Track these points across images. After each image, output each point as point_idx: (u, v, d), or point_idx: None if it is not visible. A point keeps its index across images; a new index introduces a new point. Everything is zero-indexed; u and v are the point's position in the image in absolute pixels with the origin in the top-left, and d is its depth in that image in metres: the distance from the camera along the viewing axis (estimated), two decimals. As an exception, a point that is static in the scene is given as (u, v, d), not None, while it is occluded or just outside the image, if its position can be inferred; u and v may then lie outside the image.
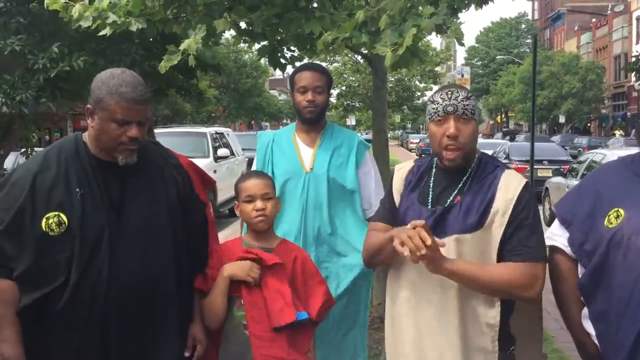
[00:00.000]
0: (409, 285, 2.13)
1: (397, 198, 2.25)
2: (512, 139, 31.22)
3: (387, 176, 5.27)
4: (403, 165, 2.32)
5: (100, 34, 3.59)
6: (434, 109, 2.10)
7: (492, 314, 2.05)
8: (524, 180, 2.10)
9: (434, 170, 2.19)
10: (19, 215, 2.06)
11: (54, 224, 2.05)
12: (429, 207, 2.12)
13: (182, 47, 3.44)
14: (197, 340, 2.30)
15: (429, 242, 1.87)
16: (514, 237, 2.03)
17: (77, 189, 2.09)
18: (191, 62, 3.43)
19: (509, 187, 2.06)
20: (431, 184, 2.17)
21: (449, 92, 2.09)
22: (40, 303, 2.05)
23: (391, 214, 2.25)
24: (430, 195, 2.15)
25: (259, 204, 2.40)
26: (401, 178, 2.27)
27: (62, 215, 2.05)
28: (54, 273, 2.04)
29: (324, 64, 3.27)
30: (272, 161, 2.99)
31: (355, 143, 3.01)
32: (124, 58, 6.75)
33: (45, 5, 3.75)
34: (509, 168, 2.17)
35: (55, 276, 2.04)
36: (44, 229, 2.04)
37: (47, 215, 2.05)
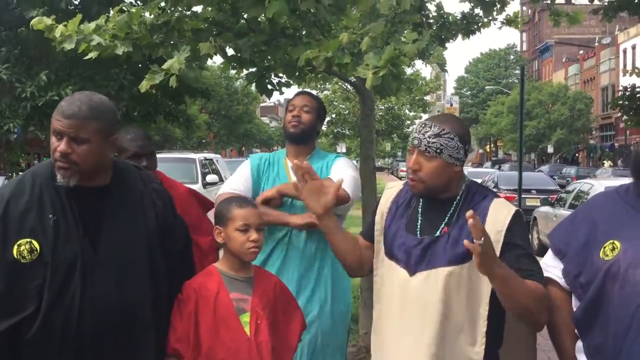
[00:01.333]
0: (393, 316, 2.09)
1: (379, 218, 2.22)
2: (498, 168, 31.40)
3: (373, 206, 5.26)
4: (394, 185, 2.29)
5: (87, 57, 3.57)
6: (409, 137, 2.12)
7: (475, 350, 2.00)
8: (513, 209, 2.05)
9: (420, 198, 2.15)
10: None
11: (25, 251, 1.99)
12: (418, 235, 2.09)
13: (164, 66, 3.41)
14: None
15: None
16: (519, 264, 1.96)
17: (50, 215, 2.03)
18: (172, 82, 3.39)
19: (498, 217, 2.02)
20: (419, 211, 2.13)
21: (423, 125, 2.07)
22: (12, 331, 1.98)
23: (371, 231, 2.23)
24: (419, 223, 2.11)
25: (254, 235, 2.29)
26: (389, 199, 2.24)
27: (34, 242, 1.99)
28: (25, 301, 1.98)
29: (314, 92, 3.30)
30: (265, 182, 3.01)
31: (333, 158, 3.09)
32: (112, 83, 6.74)
33: (30, 26, 3.72)
34: (497, 197, 2.13)
35: (27, 304, 1.97)
36: (16, 256, 1.98)
37: (18, 242, 1.99)
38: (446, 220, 2.08)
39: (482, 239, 1.74)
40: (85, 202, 2.09)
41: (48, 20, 3.58)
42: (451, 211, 2.08)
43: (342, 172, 2.92)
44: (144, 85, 3.48)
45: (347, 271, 2.36)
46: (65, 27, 3.53)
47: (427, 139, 2.03)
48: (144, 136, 3.17)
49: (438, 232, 2.06)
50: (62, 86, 6.43)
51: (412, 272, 2.04)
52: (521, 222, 2.05)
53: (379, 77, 3.01)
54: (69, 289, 1.99)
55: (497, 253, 1.94)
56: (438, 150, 2.03)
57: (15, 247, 1.98)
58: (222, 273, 2.33)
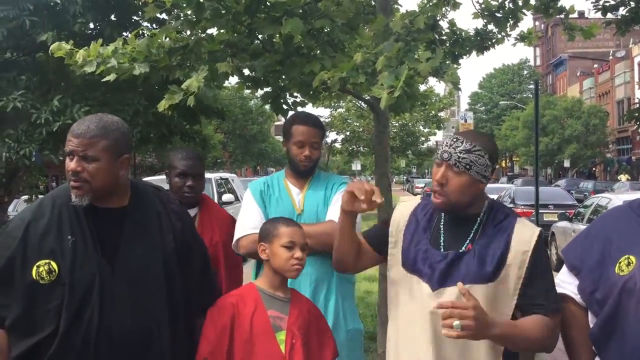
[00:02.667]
0: (414, 329, 2.07)
1: (393, 230, 2.21)
2: (511, 183, 31.14)
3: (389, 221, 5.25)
4: (408, 200, 2.29)
5: (105, 79, 3.63)
6: (438, 150, 2.10)
7: None
8: (537, 230, 2.05)
9: (442, 213, 2.14)
10: (9, 264, 2.02)
11: (44, 272, 2.01)
12: (442, 250, 2.07)
13: (184, 85, 3.46)
14: None
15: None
16: (533, 289, 1.98)
17: (69, 237, 2.05)
18: (190, 102, 3.44)
19: (524, 238, 2.01)
20: (442, 226, 2.12)
21: (454, 139, 2.06)
22: (31, 352, 2.00)
23: (380, 240, 2.23)
24: (442, 239, 2.10)
25: (299, 253, 2.35)
26: (406, 212, 2.22)
27: (52, 263, 2.02)
28: (43, 322, 1.99)
29: (328, 110, 3.31)
30: (268, 205, 3.01)
31: (338, 183, 3.07)
32: (127, 108, 6.81)
33: (49, 52, 3.79)
34: (518, 216, 2.12)
35: (45, 325, 1.99)
36: (34, 277, 2.00)
37: (37, 264, 2.01)
38: (470, 237, 2.07)
39: (474, 313, 1.75)
40: (104, 223, 2.11)
41: (67, 46, 3.65)
42: (475, 227, 2.08)
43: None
44: (163, 105, 3.53)
45: (335, 265, 2.37)
46: (86, 51, 3.60)
47: (458, 153, 2.02)
48: (194, 156, 3.21)
49: (463, 248, 2.05)
50: (75, 109, 6.50)
51: (434, 287, 2.03)
52: (543, 243, 2.05)
53: (394, 97, 3.03)
54: (87, 310, 2.00)
55: (522, 275, 1.97)
56: (467, 166, 2.01)
57: (35, 268, 2.01)
58: (261, 290, 2.37)
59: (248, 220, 2.92)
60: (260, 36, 4.13)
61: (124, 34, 7.00)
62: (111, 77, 3.61)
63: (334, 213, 2.91)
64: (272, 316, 2.30)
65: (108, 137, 2.08)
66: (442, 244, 2.09)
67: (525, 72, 68.76)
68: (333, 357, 2.43)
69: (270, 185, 3.08)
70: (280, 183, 3.08)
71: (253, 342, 2.24)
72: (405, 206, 2.27)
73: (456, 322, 1.73)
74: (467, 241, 2.06)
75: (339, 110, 26.40)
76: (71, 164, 2.04)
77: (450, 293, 1.99)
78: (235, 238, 2.94)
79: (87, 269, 2.03)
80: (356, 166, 35.82)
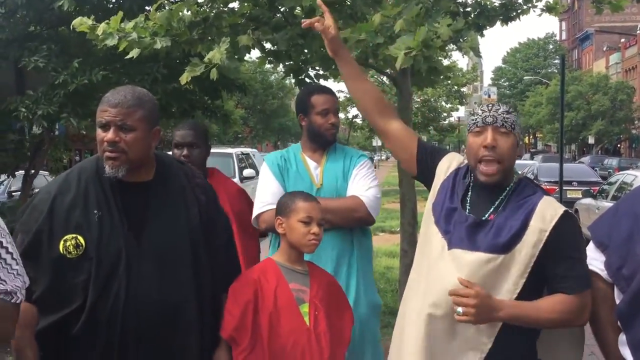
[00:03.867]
0: (422, 281, 2.11)
1: (440, 170, 2.24)
2: (532, 159, 30.75)
3: (412, 199, 5.23)
4: (459, 158, 2.28)
5: (128, 56, 3.62)
6: (473, 120, 2.08)
7: (483, 340, 2.00)
8: (561, 209, 2.01)
9: (472, 178, 2.14)
10: (36, 237, 2.04)
11: (71, 247, 2.02)
12: (467, 212, 2.08)
13: (207, 57, 3.43)
14: None
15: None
16: (559, 268, 1.98)
17: (95, 211, 2.06)
18: (213, 75, 3.41)
19: (545, 216, 1.99)
20: (470, 191, 2.12)
21: (490, 105, 2.08)
22: (58, 326, 2.02)
23: (428, 155, 2.30)
24: (468, 203, 2.10)
25: (316, 228, 2.35)
26: (451, 166, 2.23)
27: (79, 237, 2.03)
28: (71, 296, 2.01)
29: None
30: (286, 179, 2.99)
31: (357, 156, 3.05)
32: (146, 77, 6.81)
33: (71, 27, 3.79)
34: (547, 194, 2.09)
35: (73, 299, 2.01)
36: (62, 251, 2.01)
37: (64, 238, 2.02)
38: (494, 207, 2.06)
39: (474, 301, 1.87)
40: (129, 197, 2.11)
41: (89, 21, 3.65)
42: (500, 198, 2.07)
43: (364, 190, 2.89)
44: (185, 77, 3.51)
45: (363, 112, 2.48)
46: (107, 24, 3.59)
47: (502, 115, 2.03)
48: (190, 126, 3.21)
49: (485, 217, 2.05)
50: (93, 72, 6.52)
51: (450, 245, 2.05)
52: (571, 223, 2.02)
53: (410, 57, 2.97)
54: (114, 284, 2.01)
55: (536, 253, 1.96)
56: (512, 126, 2.03)
57: (62, 242, 2.02)
58: (280, 265, 2.38)
59: (268, 194, 2.90)
60: (281, 9, 4.09)
61: (146, 8, 6.97)
62: (134, 52, 3.59)
63: (355, 188, 2.91)
64: (294, 289, 2.32)
65: (143, 107, 2.08)
66: (468, 207, 2.10)
67: (551, 46, 67.57)
68: (351, 325, 2.46)
69: (287, 159, 3.06)
70: (297, 157, 3.06)
71: (278, 316, 2.25)
72: (457, 159, 2.27)
73: (458, 309, 1.89)
74: (491, 210, 2.06)
75: (361, 85, 26.19)
76: (108, 134, 2.02)
77: (457, 255, 2.01)
78: (255, 213, 2.94)
79: (113, 243, 2.04)
80: (377, 142, 35.69)
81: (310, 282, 2.37)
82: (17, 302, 1.69)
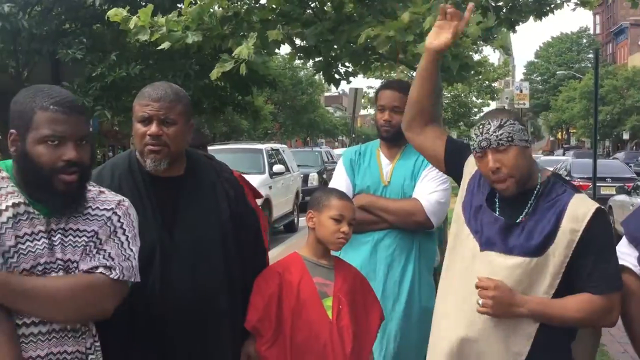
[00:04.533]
0: (456, 283, 2.10)
1: (467, 170, 2.22)
2: (563, 154, 30.25)
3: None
4: None
5: (160, 47, 3.67)
6: (472, 146, 2.06)
7: (517, 346, 1.98)
8: (593, 207, 1.98)
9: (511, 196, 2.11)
10: None
11: None
12: (497, 214, 2.06)
13: (235, 52, 3.47)
14: (251, 358, 2.29)
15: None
16: (588, 268, 1.95)
17: None
18: (242, 70, 3.45)
19: (577, 215, 1.96)
20: (497, 193, 2.09)
21: (480, 126, 2.04)
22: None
23: (455, 150, 2.28)
24: (497, 203, 2.09)
25: (346, 227, 2.35)
26: (475, 163, 2.19)
27: None
28: None
29: (379, 81, 3.26)
30: (357, 173, 3.02)
31: (427, 162, 2.96)
32: (179, 73, 6.91)
33: (106, 19, 3.87)
34: (579, 192, 2.06)
35: None
36: None
37: None
38: (525, 210, 2.03)
39: (492, 293, 1.90)
40: (162, 192, 2.15)
41: (123, 12, 3.71)
42: (530, 201, 2.04)
43: (427, 194, 2.85)
44: (215, 73, 3.56)
45: (408, 117, 2.39)
46: (138, 18, 3.65)
47: (494, 134, 1.99)
48: (194, 130, 3.24)
49: (517, 220, 2.03)
50: (130, 66, 6.63)
51: (482, 247, 2.04)
52: (603, 221, 1.99)
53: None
54: (149, 276, 2.05)
55: (569, 254, 1.94)
56: (510, 139, 1.99)
57: None
58: (305, 259, 2.40)
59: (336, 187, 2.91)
60: (311, 4, 4.11)
61: (178, 5, 7.06)
62: (165, 45, 3.65)
63: (420, 191, 2.87)
64: (317, 283, 2.33)
65: (182, 101, 2.14)
66: (497, 208, 2.08)
67: (584, 40, 66.33)
68: (380, 321, 2.45)
69: (362, 153, 3.08)
70: (372, 152, 3.06)
71: (301, 309, 2.27)
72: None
73: (479, 300, 1.93)
74: (523, 214, 2.03)
75: (390, 80, 26.09)
76: (152, 128, 2.07)
77: (491, 259, 2.00)
78: None
79: (148, 237, 2.06)
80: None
81: (335, 276, 2.37)
82: (116, 278, 1.75)
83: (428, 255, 2.96)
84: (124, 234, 1.82)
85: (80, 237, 1.74)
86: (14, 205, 1.65)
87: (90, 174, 1.81)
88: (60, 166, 1.67)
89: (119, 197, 1.89)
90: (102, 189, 1.88)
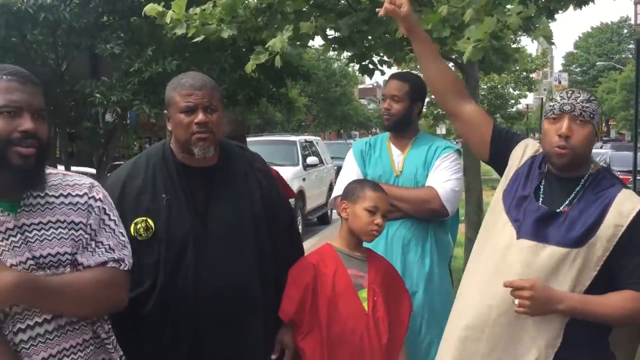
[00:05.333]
0: (488, 268, 2.06)
1: (513, 160, 2.18)
2: (600, 147, 29.51)
3: (477, 187, 5.14)
4: (535, 143, 2.22)
5: (194, 40, 3.70)
6: (550, 106, 2.02)
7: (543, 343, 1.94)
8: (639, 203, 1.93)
9: (546, 170, 2.09)
10: None
11: (141, 229, 2.09)
12: (540, 203, 2.03)
13: (269, 44, 3.47)
14: (284, 346, 2.29)
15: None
16: (630, 263, 1.90)
17: (163, 195, 2.12)
18: (277, 62, 3.45)
19: (622, 210, 1.91)
20: (543, 181, 2.07)
21: (570, 92, 2.00)
22: (130, 307, 2.03)
23: (502, 138, 2.23)
24: (542, 192, 2.05)
25: (380, 219, 2.35)
26: (527, 154, 2.17)
27: (149, 220, 2.10)
28: (142, 277, 2.07)
29: (414, 72, 3.21)
30: (368, 164, 3.03)
31: (442, 147, 2.98)
32: (214, 66, 6.97)
33: (143, 13, 3.91)
34: (626, 187, 2.01)
35: (144, 280, 2.07)
36: (133, 233, 2.08)
37: (135, 221, 2.09)
38: (569, 199, 2.00)
39: (529, 293, 1.84)
40: (195, 181, 2.17)
41: (159, 7, 3.75)
42: (576, 191, 2.00)
43: (442, 182, 2.83)
44: (250, 66, 3.57)
45: (435, 96, 2.41)
46: (173, 11, 3.67)
47: (581, 103, 1.96)
48: (234, 120, 3.28)
49: (559, 209, 1.99)
50: (167, 61, 6.71)
51: (519, 235, 2.00)
52: None
53: (479, 50, 2.91)
54: (183, 265, 2.07)
55: (610, 248, 1.89)
56: (591, 116, 1.96)
57: (133, 225, 2.09)
58: (339, 250, 2.39)
59: (346, 179, 2.90)
60: (346, -5, 4.08)
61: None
62: (199, 37, 3.67)
63: (434, 179, 2.86)
64: (352, 275, 2.33)
65: (218, 89, 2.19)
66: (541, 197, 2.04)
67: (625, 30, 64.61)
68: (410, 312, 2.45)
69: (372, 145, 3.08)
70: (383, 143, 3.07)
71: (336, 301, 2.27)
72: (531, 146, 2.20)
73: (515, 300, 1.88)
74: (566, 202, 1.99)
75: (425, 72, 25.81)
76: (199, 116, 2.09)
77: (528, 247, 1.96)
78: (333, 196, 2.98)
79: (181, 226, 2.10)
80: (441, 130, 35.18)
81: (368, 268, 2.37)
82: (126, 269, 1.76)
83: (443, 245, 2.95)
84: (110, 219, 1.77)
85: (55, 230, 1.65)
86: None
87: (48, 154, 1.71)
88: (16, 137, 1.56)
89: (86, 179, 1.80)
90: (62, 171, 1.80)
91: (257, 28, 3.90)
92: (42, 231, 1.63)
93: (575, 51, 67.04)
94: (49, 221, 1.66)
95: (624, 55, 61.07)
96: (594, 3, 4.74)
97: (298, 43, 3.78)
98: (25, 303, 1.55)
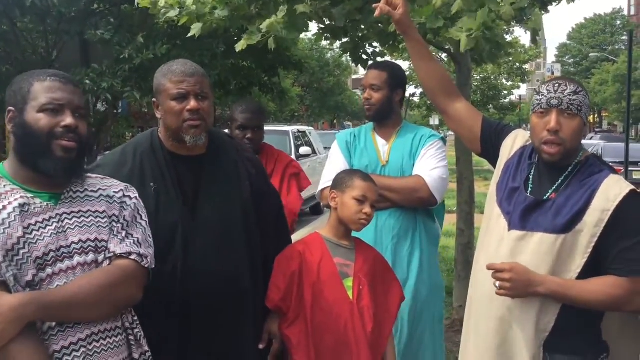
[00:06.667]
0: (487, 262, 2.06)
1: (504, 150, 2.20)
2: (590, 138, 29.61)
3: (469, 177, 5.13)
4: (525, 134, 2.23)
5: (190, 34, 3.65)
6: (537, 100, 2.01)
7: (545, 320, 1.96)
8: (627, 188, 1.93)
9: (536, 158, 2.09)
10: None
11: None
12: (528, 193, 2.04)
13: (262, 25, 3.42)
14: (273, 336, 2.30)
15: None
16: (614, 249, 1.90)
17: (152, 184, 2.10)
18: (271, 44, 3.41)
19: (609, 195, 1.91)
20: (532, 172, 2.07)
21: (556, 85, 1.99)
22: None
23: (492, 130, 2.26)
24: (530, 182, 2.06)
25: (368, 209, 2.35)
26: (516, 145, 2.19)
27: None
28: None
29: (407, 63, 3.23)
30: (354, 154, 3.02)
31: (427, 136, 2.99)
32: (206, 52, 6.92)
33: (136, 3, 3.86)
34: (615, 173, 2.01)
35: None
36: None
37: None
38: (556, 185, 2.00)
39: (509, 276, 1.88)
40: (184, 171, 2.16)
41: None
42: (562, 178, 2.01)
43: (428, 170, 2.84)
44: (240, 45, 3.51)
45: (429, 92, 2.44)
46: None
47: (568, 96, 1.95)
48: (254, 109, 3.26)
49: (545, 197, 2.00)
50: (157, 46, 6.67)
51: (510, 227, 2.02)
52: (635, 204, 1.92)
53: (472, 39, 2.89)
54: (171, 255, 2.06)
55: (597, 233, 1.90)
56: (579, 108, 1.96)
57: None
58: (326, 239, 2.39)
59: (332, 170, 2.90)
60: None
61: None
62: (196, 29, 3.61)
63: (421, 168, 2.87)
64: (338, 263, 2.33)
65: (208, 77, 2.17)
66: (530, 187, 2.05)
67: (618, 22, 64.74)
68: (400, 301, 2.45)
69: (357, 136, 3.08)
70: (367, 134, 3.06)
71: (321, 289, 2.28)
72: (521, 136, 2.22)
73: (496, 283, 1.93)
74: (552, 189, 2.00)
75: (418, 62, 25.76)
76: (191, 103, 2.08)
77: (518, 237, 1.98)
78: (319, 188, 2.97)
79: (169, 215, 2.08)
80: (434, 121, 35.19)
81: (356, 256, 2.37)
82: (147, 266, 1.78)
83: (432, 233, 2.96)
84: (142, 218, 1.85)
85: (94, 218, 1.75)
86: (15, 200, 1.66)
87: (89, 150, 1.82)
88: (58, 132, 1.69)
89: (123, 183, 1.90)
90: (101, 176, 1.90)
91: (250, 17, 3.85)
92: (74, 219, 1.72)
93: (568, 42, 67.19)
94: (86, 210, 1.76)
95: (617, 47, 61.26)
96: (587, -6, 4.73)
97: (294, 26, 3.72)
98: (34, 320, 1.58)
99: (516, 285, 1.89)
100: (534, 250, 1.94)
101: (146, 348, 1.82)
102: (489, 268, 1.94)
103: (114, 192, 1.83)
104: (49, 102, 1.70)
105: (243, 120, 3.21)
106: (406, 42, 2.38)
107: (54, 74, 1.77)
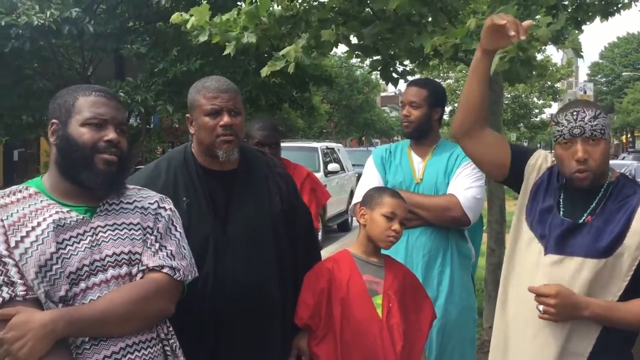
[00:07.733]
0: (522, 286, 2.02)
1: (529, 172, 2.12)
2: (623, 158, 29.08)
3: (500, 196, 5.09)
4: (546, 156, 2.17)
5: (225, 52, 3.72)
6: (558, 131, 1.97)
7: (580, 348, 1.92)
8: None
9: (564, 180, 2.05)
10: None
11: None
12: (561, 215, 2.00)
13: (281, 52, 3.48)
14: (301, 351, 2.30)
15: None
16: None
17: (184, 198, 2.14)
18: (291, 69, 3.46)
19: None
20: (562, 194, 2.04)
21: (574, 113, 1.95)
22: None
23: (520, 154, 2.15)
24: (562, 205, 2.02)
25: (397, 226, 2.34)
26: (542, 166, 2.12)
27: None
28: None
29: (437, 80, 3.20)
30: (388, 171, 3.01)
31: (463, 155, 2.93)
32: (238, 69, 7.02)
33: (170, 21, 3.95)
34: None
35: None
36: None
37: None
38: (591, 208, 1.97)
39: (554, 301, 1.84)
40: (216, 185, 2.19)
41: (186, 16, 3.78)
42: (597, 200, 1.98)
43: (462, 190, 2.80)
44: (265, 71, 3.57)
45: (458, 124, 2.20)
46: (197, 19, 3.71)
47: (589, 123, 1.93)
48: (271, 126, 3.28)
49: (582, 220, 1.97)
50: (191, 61, 6.78)
51: (547, 251, 1.98)
52: None
53: (505, 62, 2.88)
54: (203, 268, 2.08)
55: (639, 256, 1.87)
56: (602, 132, 1.93)
57: None
58: (355, 256, 2.39)
59: (366, 186, 2.88)
60: (370, 4, 4.07)
61: (238, 2, 7.16)
62: (231, 49, 3.68)
63: (455, 186, 2.84)
64: (367, 280, 2.32)
65: (240, 93, 2.21)
66: (562, 209, 2.02)
67: (653, 41, 63.77)
68: (431, 319, 2.43)
69: (392, 152, 3.06)
70: (403, 151, 3.05)
71: (350, 306, 2.27)
72: (542, 156, 2.15)
73: (539, 307, 1.88)
74: (587, 212, 1.97)
75: (448, 81, 25.71)
76: (225, 118, 2.12)
77: (559, 262, 1.94)
78: (352, 203, 2.96)
79: (202, 230, 2.11)
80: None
81: (385, 274, 2.36)
82: (179, 279, 1.79)
83: (464, 253, 2.92)
84: (176, 230, 1.85)
85: (128, 230, 1.76)
86: (50, 217, 1.68)
87: (129, 164, 1.85)
88: (101, 146, 1.72)
89: (159, 194, 1.92)
90: (137, 187, 1.92)
91: (281, 36, 3.91)
92: (108, 232, 1.74)
93: (600, 61, 66.29)
94: (121, 222, 1.77)
95: (650, 66, 60.22)
96: (620, 14, 4.68)
97: (316, 52, 3.77)
98: (65, 336, 1.59)
99: (562, 310, 1.85)
100: (574, 275, 1.91)
101: (182, 359, 1.83)
102: (531, 291, 1.89)
103: (149, 203, 1.84)
104: (93, 116, 1.74)
105: (261, 137, 3.22)
106: (479, 59, 2.14)
107: (99, 89, 1.81)
